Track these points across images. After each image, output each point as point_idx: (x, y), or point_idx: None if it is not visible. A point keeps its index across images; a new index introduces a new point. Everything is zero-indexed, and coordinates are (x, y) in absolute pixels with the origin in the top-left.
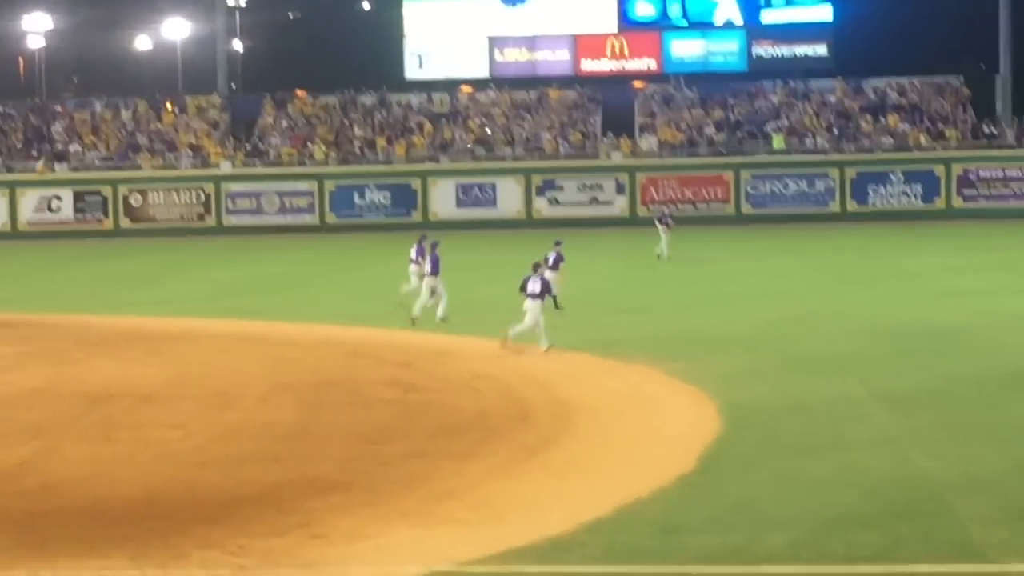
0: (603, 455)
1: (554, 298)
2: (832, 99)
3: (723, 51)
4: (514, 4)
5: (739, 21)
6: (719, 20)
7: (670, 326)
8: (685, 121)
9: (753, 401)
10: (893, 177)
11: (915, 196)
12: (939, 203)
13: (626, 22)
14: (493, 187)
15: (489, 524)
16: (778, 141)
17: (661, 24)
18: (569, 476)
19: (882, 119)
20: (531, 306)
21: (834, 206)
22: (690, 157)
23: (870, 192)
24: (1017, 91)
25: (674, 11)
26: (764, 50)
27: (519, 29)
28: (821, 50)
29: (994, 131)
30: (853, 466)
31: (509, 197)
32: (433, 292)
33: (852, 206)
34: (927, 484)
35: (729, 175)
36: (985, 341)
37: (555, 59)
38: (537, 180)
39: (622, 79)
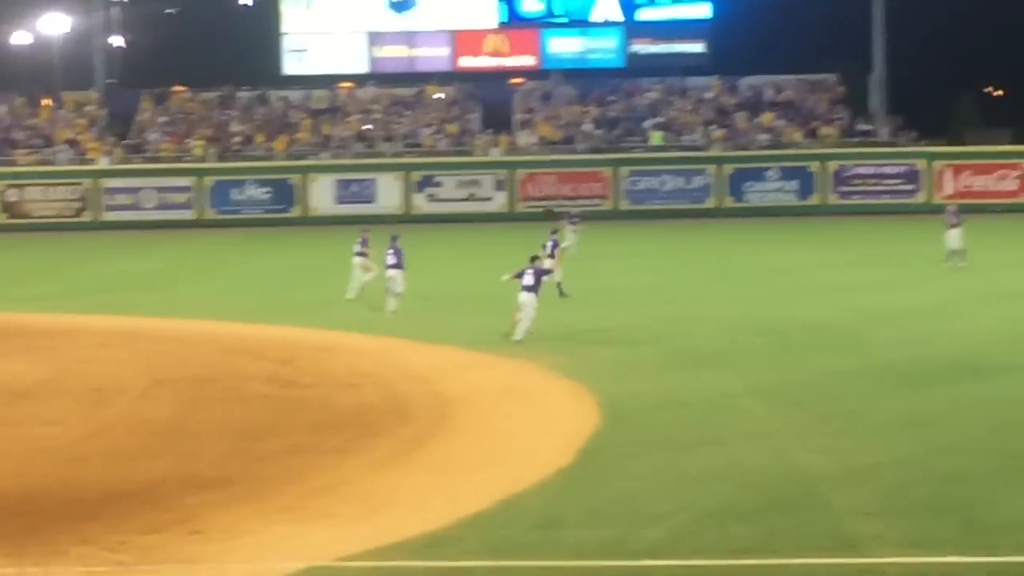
0: (482, 450)
1: (558, 285)
2: (709, 96)
3: (601, 48)
4: (401, 10)
5: (617, 18)
6: (597, 17)
7: (549, 321)
8: (563, 118)
9: (632, 396)
10: (769, 174)
11: (791, 193)
12: (814, 200)
13: (513, 17)
14: (372, 183)
15: (367, 519)
16: (656, 138)
17: (541, 21)
18: (448, 471)
19: (758, 117)
20: (527, 299)
21: (711, 202)
22: (568, 154)
23: (746, 189)
24: (891, 89)
25: (557, 7)
26: (642, 47)
27: (398, 24)
28: (698, 48)
29: (869, 128)
30: (730, 460)
31: (388, 193)
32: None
33: (729, 202)
34: (803, 477)
35: (607, 171)
36: (858, 336)
37: (434, 55)
38: (416, 176)
39: (501, 76)
